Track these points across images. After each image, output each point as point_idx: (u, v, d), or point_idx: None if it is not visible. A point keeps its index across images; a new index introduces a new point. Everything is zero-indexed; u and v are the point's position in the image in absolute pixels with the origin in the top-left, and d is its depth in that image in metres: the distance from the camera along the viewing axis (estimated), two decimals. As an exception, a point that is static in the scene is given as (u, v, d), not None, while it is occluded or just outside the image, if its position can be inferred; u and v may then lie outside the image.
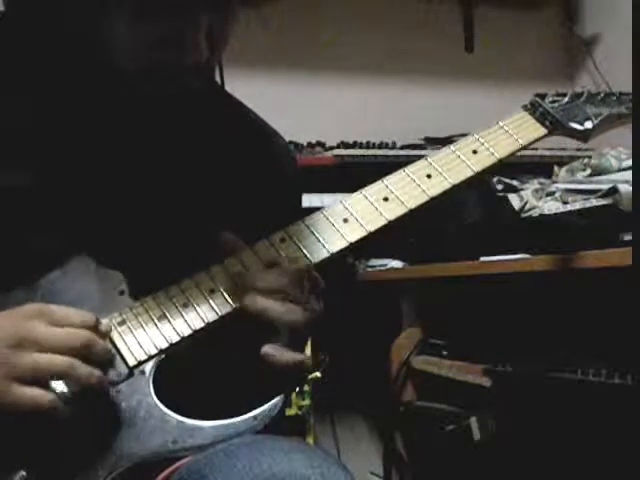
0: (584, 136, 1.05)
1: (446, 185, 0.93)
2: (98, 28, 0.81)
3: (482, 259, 1.59)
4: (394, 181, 0.92)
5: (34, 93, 0.88)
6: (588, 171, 1.68)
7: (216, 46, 0.85)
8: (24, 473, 0.74)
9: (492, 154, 0.96)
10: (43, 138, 0.87)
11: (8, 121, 0.86)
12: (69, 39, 0.83)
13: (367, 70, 2.45)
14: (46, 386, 0.73)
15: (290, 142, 2.09)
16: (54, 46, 0.86)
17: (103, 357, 0.77)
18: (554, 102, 1.05)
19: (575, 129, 1.04)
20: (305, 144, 2.12)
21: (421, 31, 2.51)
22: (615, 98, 1.09)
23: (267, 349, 0.82)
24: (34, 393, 0.72)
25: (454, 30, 2.58)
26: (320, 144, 2.14)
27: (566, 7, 2.65)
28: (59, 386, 0.74)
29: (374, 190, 0.91)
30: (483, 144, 0.97)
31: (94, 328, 0.77)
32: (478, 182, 0.98)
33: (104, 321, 0.79)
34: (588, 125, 1.05)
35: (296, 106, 2.31)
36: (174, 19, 0.80)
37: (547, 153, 2.14)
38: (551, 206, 1.58)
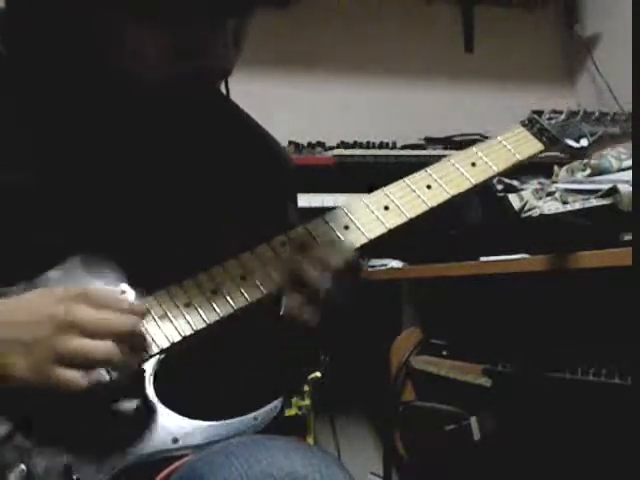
0: (580, 153, 1.09)
1: (445, 196, 0.95)
2: (119, 37, 0.81)
3: (482, 259, 1.59)
4: (394, 190, 0.94)
5: (40, 93, 0.88)
6: (588, 171, 1.68)
7: (237, 51, 0.85)
8: (23, 467, 0.74)
9: (490, 167, 0.99)
10: (47, 137, 0.87)
11: (12, 120, 0.86)
12: (79, 40, 0.83)
13: (367, 70, 2.45)
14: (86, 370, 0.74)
15: (290, 142, 2.09)
16: (61, 45, 0.85)
17: (143, 344, 0.79)
18: (551, 119, 1.08)
19: (571, 146, 1.08)
20: (305, 144, 2.12)
21: (421, 31, 2.52)
22: (609, 118, 1.12)
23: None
24: (75, 375, 0.73)
25: (454, 30, 2.58)
26: (320, 144, 2.14)
27: (566, 7, 2.65)
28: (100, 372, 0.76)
29: (375, 198, 0.93)
30: (482, 158, 0.99)
31: (134, 311, 0.78)
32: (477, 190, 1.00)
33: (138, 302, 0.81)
34: (584, 143, 1.08)
35: (296, 106, 2.32)
36: (204, 26, 0.80)
37: (547, 153, 2.14)
38: (551, 206, 1.58)
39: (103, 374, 0.75)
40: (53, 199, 0.85)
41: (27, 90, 0.88)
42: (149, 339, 0.80)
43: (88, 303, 0.75)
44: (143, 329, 0.80)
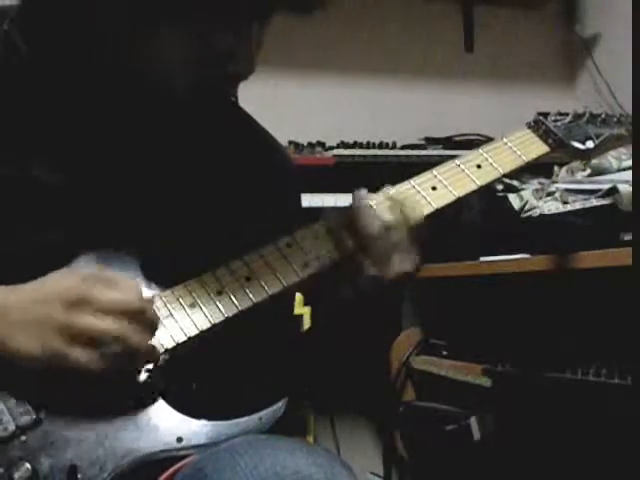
0: (586, 155, 1.08)
1: (451, 197, 0.95)
2: (148, 41, 0.81)
3: (482, 259, 1.60)
4: (400, 192, 0.94)
5: (61, 91, 0.88)
6: (588, 171, 1.68)
7: (258, 54, 0.86)
8: (29, 466, 0.74)
9: (495, 169, 0.99)
10: (67, 135, 0.87)
11: (33, 118, 0.87)
12: (105, 43, 0.83)
13: (367, 70, 2.45)
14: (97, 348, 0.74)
15: (290, 142, 2.09)
16: (86, 47, 0.85)
17: (153, 324, 0.79)
18: (557, 121, 1.07)
19: (577, 148, 1.07)
20: (305, 144, 2.12)
21: (421, 31, 2.52)
22: (616, 120, 1.12)
23: None
24: (92, 355, 0.73)
25: (454, 30, 2.58)
26: (320, 144, 2.14)
27: (566, 7, 2.65)
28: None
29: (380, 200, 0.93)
30: (487, 159, 0.99)
31: (142, 293, 0.79)
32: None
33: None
34: (589, 144, 1.07)
35: (296, 106, 2.32)
36: (232, 30, 0.81)
37: (547, 153, 2.14)
38: (551, 206, 1.58)
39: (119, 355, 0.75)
40: (68, 198, 0.85)
41: (48, 88, 0.88)
42: (158, 320, 0.80)
43: (99, 282, 0.76)
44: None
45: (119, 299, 0.75)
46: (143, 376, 0.79)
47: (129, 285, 0.78)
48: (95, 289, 0.75)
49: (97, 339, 0.73)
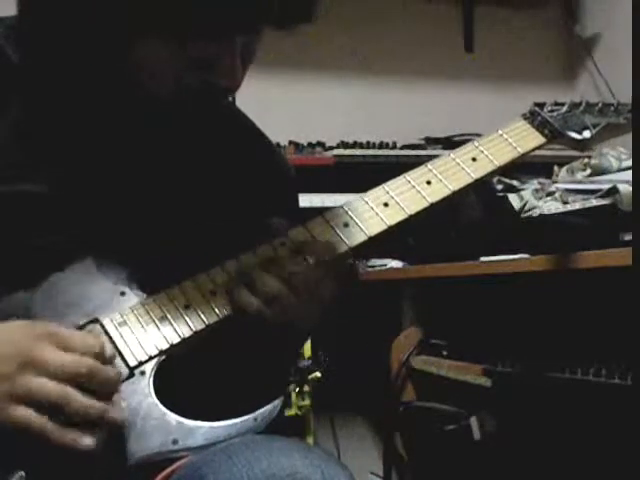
0: (582, 145, 1.07)
1: (446, 192, 0.94)
2: (132, 49, 0.82)
3: (482, 259, 1.59)
4: (394, 187, 0.93)
5: (51, 103, 0.89)
6: (588, 171, 1.68)
7: (245, 68, 0.86)
8: (22, 473, 0.74)
9: (491, 162, 0.97)
10: (56, 144, 0.88)
11: (22, 129, 0.87)
12: (91, 52, 0.84)
13: (367, 70, 2.45)
14: (42, 409, 0.73)
15: (290, 142, 2.10)
16: (74, 57, 0.86)
17: (105, 386, 0.77)
18: (553, 111, 1.05)
19: (573, 138, 1.05)
20: (305, 144, 2.12)
21: (421, 31, 2.52)
22: (613, 108, 1.10)
23: None
24: (27, 414, 0.72)
25: (454, 30, 2.58)
26: (320, 144, 2.14)
27: (566, 7, 2.65)
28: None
29: (375, 195, 0.92)
30: (482, 152, 0.98)
31: (100, 355, 0.77)
32: (478, 185, 0.99)
33: (108, 347, 0.80)
34: (586, 134, 1.06)
35: (296, 106, 2.32)
36: (214, 43, 0.82)
37: (547, 153, 2.14)
38: (551, 206, 1.58)
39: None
40: (62, 205, 0.86)
41: (38, 100, 0.88)
42: (114, 381, 0.78)
43: (53, 343, 0.75)
44: (143, 332, 0.81)
45: (67, 362, 0.74)
46: None
47: (83, 345, 0.76)
48: (45, 350, 0.74)
49: (40, 401, 0.72)
